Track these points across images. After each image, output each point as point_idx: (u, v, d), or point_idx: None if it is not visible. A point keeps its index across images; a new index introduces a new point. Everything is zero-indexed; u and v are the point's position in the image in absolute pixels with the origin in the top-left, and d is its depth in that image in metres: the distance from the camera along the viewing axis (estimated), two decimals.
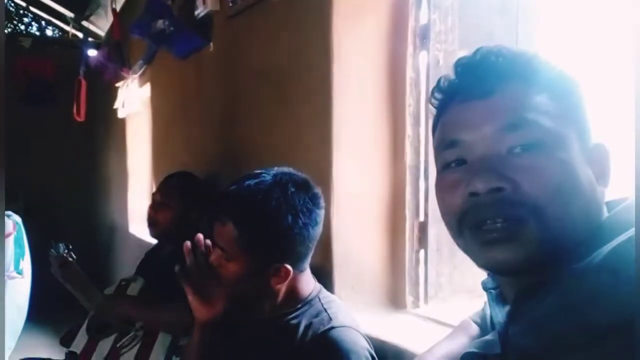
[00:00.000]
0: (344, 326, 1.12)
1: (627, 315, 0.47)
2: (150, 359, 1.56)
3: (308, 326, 1.13)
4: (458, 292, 1.58)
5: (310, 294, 1.20)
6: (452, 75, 0.69)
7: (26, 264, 3.30)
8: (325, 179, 1.47)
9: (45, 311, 3.41)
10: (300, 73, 1.66)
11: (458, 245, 0.67)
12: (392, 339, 1.31)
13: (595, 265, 0.54)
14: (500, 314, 0.68)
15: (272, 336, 1.17)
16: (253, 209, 1.12)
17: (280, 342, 1.15)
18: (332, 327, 1.11)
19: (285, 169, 1.18)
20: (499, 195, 0.60)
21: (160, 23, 2.52)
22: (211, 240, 1.19)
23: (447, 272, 1.57)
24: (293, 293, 1.19)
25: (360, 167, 1.53)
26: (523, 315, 0.60)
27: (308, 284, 1.22)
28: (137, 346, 1.59)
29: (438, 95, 0.71)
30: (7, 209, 3.40)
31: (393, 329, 1.41)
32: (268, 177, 1.14)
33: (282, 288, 1.17)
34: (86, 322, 1.77)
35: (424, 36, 1.54)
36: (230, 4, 2.08)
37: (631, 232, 0.54)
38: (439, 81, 0.71)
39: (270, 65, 1.85)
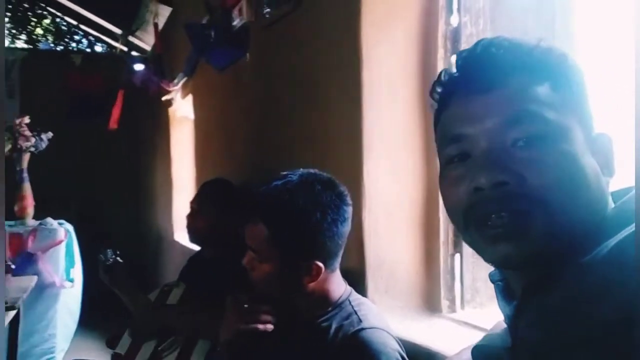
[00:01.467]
0: (374, 327, 1.12)
1: (635, 310, 0.47)
2: None
3: (338, 328, 1.14)
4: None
5: (341, 296, 1.21)
6: (453, 69, 0.68)
7: (77, 272, 3.46)
8: (356, 181, 1.49)
9: (95, 315, 3.55)
10: (331, 78, 1.68)
11: (464, 240, 0.67)
12: (426, 342, 1.30)
13: (600, 260, 0.54)
14: (507, 307, 0.67)
15: (303, 339, 1.19)
16: (282, 207, 1.15)
17: (310, 345, 1.16)
18: (362, 329, 1.11)
19: (311, 170, 1.22)
20: (503, 189, 0.59)
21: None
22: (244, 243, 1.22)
23: (483, 277, 1.55)
24: (324, 295, 1.20)
25: (392, 170, 1.53)
26: (531, 310, 0.60)
27: (339, 286, 1.23)
28: (177, 350, 1.64)
29: (439, 89, 0.70)
30: (59, 218, 3.59)
31: (428, 333, 1.40)
32: (294, 177, 1.18)
33: (314, 288, 1.18)
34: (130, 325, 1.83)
35: (455, 39, 1.53)
36: (265, 15, 2.13)
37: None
38: (440, 75, 0.70)
39: (303, 72, 1.88)
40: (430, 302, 1.56)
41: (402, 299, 1.54)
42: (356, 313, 1.16)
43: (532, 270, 0.61)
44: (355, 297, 1.23)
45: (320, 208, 1.14)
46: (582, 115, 0.62)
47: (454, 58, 1.56)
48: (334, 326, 1.15)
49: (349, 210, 1.20)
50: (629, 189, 0.64)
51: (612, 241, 0.54)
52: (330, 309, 1.19)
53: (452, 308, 1.55)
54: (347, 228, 1.20)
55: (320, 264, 1.16)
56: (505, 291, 0.69)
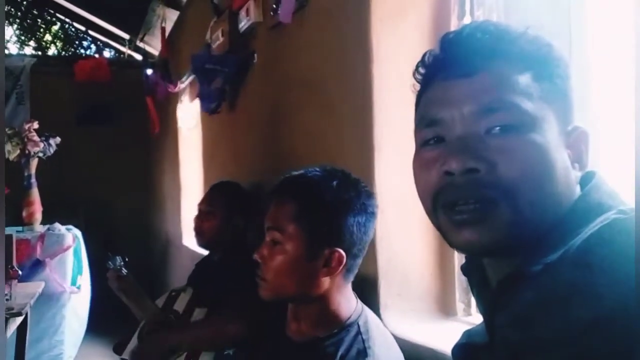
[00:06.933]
0: None
1: (607, 309, 0.49)
2: None
3: (343, 357, 1.07)
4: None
5: (350, 317, 1.13)
6: (437, 51, 0.67)
7: (84, 279, 3.44)
8: (367, 181, 1.44)
9: (104, 321, 3.53)
10: (340, 77, 1.65)
11: (432, 222, 0.67)
12: (441, 346, 1.26)
13: (568, 260, 0.56)
14: (482, 300, 0.69)
15: (302, 357, 1.13)
16: (317, 186, 1.14)
17: None
18: None
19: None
20: (473, 176, 0.59)
21: (216, 82, 2.63)
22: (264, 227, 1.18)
23: None
24: (332, 310, 1.13)
25: (403, 169, 1.48)
26: (507, 308, 0.61)
27: (349, 303, 1.16)
28: (184, 355, 1.60)
29: (422, 70, 0.70)
30: (68, 224, 3.57)
31: (442, 337, 1.35)
32: (323, 167, 1.19)
33: (326, 293, 1.12)
34: (137, 331, 1.80)
35: None
36: (272, 15, 2.10)
37: (600, 220, 0.57)
38: (423, 56, 0.69)
39: (311, 71, 1.85)
40: (445, 305, 1.52)
41: (416, 302, 1.49)
42: (364, 342, 1.09)
43: (503, 261, 0.63)
44: (365, 320, 1.15)
45: (354, 191, 1.14)
46: (561, 107, 0.63)
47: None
48: (339, 353, 1.07)
49: (377, 208, 1.19)
50: (589, 174, 0.64)
51: (578, 240, 0.57)
52: (336, 330, 1.11)
53: (467, 311, 1.50)
54: (371, 225, 1.17)
55: (343, 253, 1.11)
56: (480, 283, 0.69)
